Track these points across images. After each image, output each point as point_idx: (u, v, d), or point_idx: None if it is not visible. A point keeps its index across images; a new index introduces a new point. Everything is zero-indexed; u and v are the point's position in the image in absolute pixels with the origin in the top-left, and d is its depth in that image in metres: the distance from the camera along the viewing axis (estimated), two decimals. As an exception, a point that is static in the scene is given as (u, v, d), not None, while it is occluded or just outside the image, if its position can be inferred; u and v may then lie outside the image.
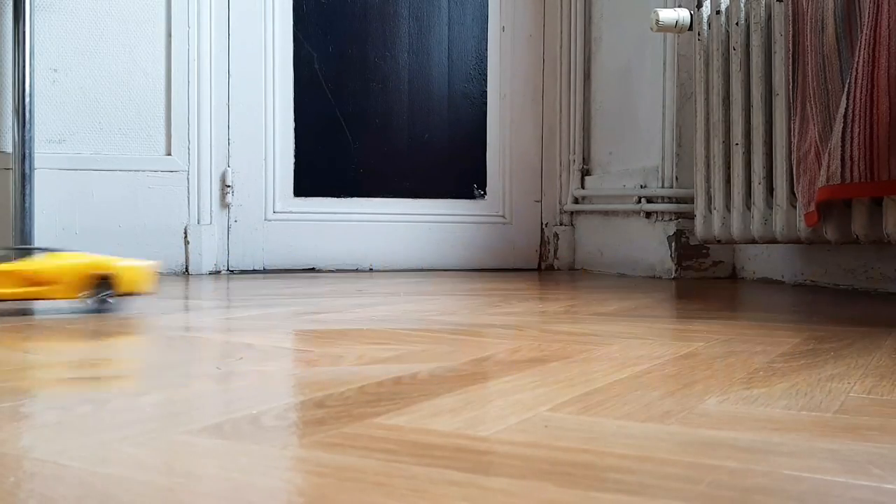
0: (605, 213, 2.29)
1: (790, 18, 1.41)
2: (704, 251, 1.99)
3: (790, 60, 1.41)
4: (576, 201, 2.43)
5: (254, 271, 2.19)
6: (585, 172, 2.42)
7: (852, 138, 1.13)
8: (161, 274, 2.05)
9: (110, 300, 1.14)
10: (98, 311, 1.13)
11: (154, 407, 0.54)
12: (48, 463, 0.41)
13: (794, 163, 1.38)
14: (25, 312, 1.13)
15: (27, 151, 1.92)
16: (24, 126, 1.92)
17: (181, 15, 2.09)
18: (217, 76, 2.15)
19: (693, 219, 1.85)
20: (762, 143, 1.52)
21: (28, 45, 1.93)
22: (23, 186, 1.92)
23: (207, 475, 0.39)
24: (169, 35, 2.09)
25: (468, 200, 2.41)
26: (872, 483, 0.38)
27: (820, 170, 1.25)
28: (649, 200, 2.06)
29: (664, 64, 2.02)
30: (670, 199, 2.00)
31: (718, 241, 1.66)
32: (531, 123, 2.46)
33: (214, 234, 2.14)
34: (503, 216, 2.44)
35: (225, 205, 2.17)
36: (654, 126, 2.07)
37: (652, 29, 1.72)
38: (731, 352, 0.79)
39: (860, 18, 1.20)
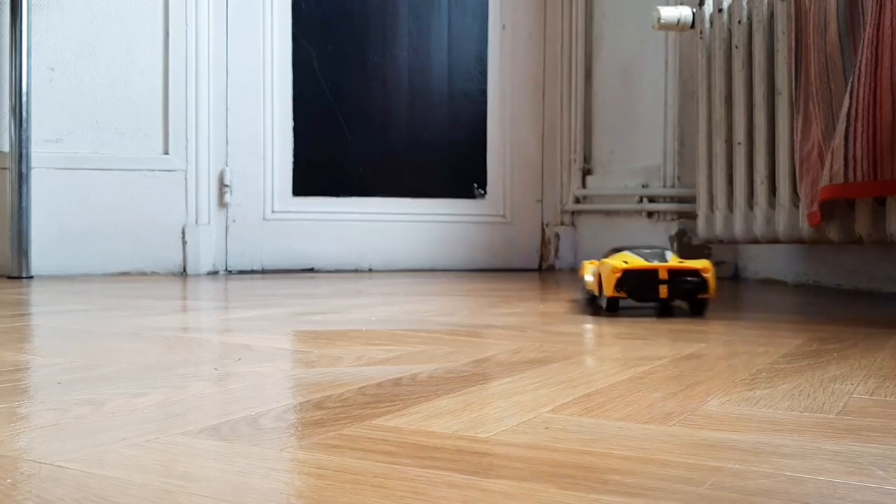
0: (607, 212, 2.29)
1: (793, 17, 1.41)
2: (707, 251, 1.98)
3: (793, 59, 1.41)
4: (577, 201, 2.42)
5: (252, 271, 2.19)
6: (587, 172, 2.41)
7: (855, 137, 1.13)
8: (158, 274, 2.05)
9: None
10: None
11: (152, 408, 0.53)
12: (45, 465, 0.41)
13: (797, 162, 1.38)
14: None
15: (24, 151, 1.92)
16: (20, 125, 1.91)
17: (179, 13, 2.09)
18: (215, 75, 2.15)
19: (695, 218, 1.85)
20: (765, 143, 1.51)
21: (25, 44, 1.93)
22: (19, 186, 1.91)
23: (206, 477, 0.39)
24: (167, 33, 2.09)
25: (468, 200, 2.40)
26: (876, 485, 0.38)
27: (823, 169, 1.24)
28: (651, 200, 2.06)
29: (666, 62, 2.02)
30: (672, 199, 2.00)
31: (721, 241, 1.66)
32: (532, 122, 2.46)
33: (212, 233, 2.14)
34: (503, 216, 2.44)
35: (223, 204, 2.17)
36: (656, 125, 2.07)
37: (654, 27, 1.71)
38: (733, 352, 0.79)
39: (863, 17, 1.20)
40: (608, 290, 1.11)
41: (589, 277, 1.24)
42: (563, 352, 0.78)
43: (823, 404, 0.56)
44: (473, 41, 2.41)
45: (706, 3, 1.69)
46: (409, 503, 0.35)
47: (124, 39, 2.06)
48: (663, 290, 1.09)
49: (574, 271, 2.36)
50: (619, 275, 1.10)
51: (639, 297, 1.11)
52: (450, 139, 2.38)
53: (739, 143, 1.57)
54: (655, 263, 1.10)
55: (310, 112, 2.25)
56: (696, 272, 1.10)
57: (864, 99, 1.12)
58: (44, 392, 0.58)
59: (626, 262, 1.11)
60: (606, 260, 1.15)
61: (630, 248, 1.19)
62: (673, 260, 1.13)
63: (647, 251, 1.17)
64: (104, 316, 1.08)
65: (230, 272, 2.16)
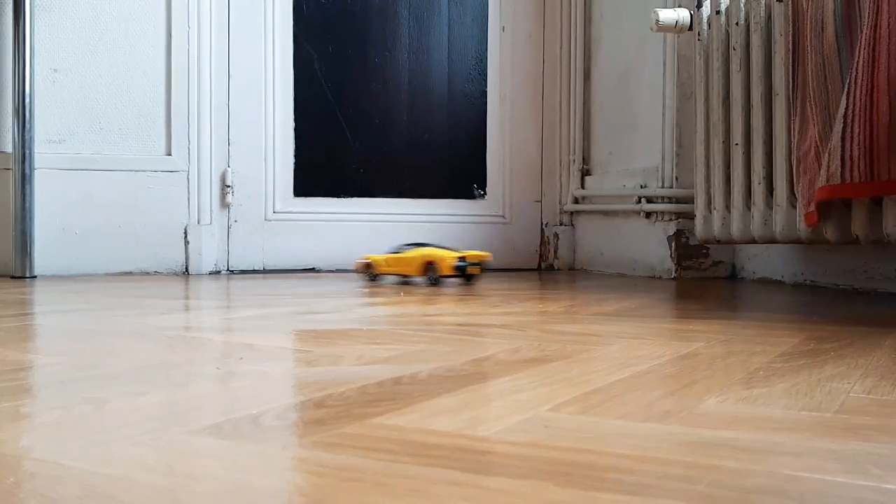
0: (605, 213, 2.29)
1: (790, 18, 1.41)
2: (704, 251, 1.99)
3: (790, 60, 1.41)
4: (576, 201, 2.43)
5: (254, 271, 2.19)
6: (585, 172, 2.42)
7: (852, 138, 1.13)
8: (160, 274, 2.05)
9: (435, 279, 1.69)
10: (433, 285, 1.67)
11: (154, 407, 0.54)
12: (48, 463, 0.41)
13: (794, 163, 1.38)
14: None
15: (27, 152, 1.92)
16: (24, 126, 1.92)
17: (181, 15, 2.09)
18: (217, 76, 2.15)
19: (693, 219, 1.85)
20: (762, 143, 1.52)
21: (28, 45, 1.93)
22: (23, 187, 1.92)
23: (207, 475, 0.39)
24: (169, 35, 2.09)
25: (468, 200, 2.41)
26: (872, 483, 0.38)
27: (820, 170, 1.25)
28: (649, 200, 2.06)
29: (664, 64, 2.02)
30: (670, 199, 2.00)
31: (718, 241, 1.66)
32: (531, 123, 2.46)
33: (214, 234, 2.14)
34: (503, 216, 2.44)
35: (225, 205, 2.17)
36: (654, 126, 2.07)
37: (652, 29, 1.72)
38: (730, 352, 0.79)
39: (860, 18, 1.20)
40: (446, 271, 1.65)
41: (367, 262, 1.82)
42: (562, 351, 0.79)
43: (820, 403, 0.56)
44: (473, 42, 2.41)
45: (704, 5, 1.69)
46: (409, 501, 0.36)
47: (127, 41, 2.06)
48: (474, 269, 1.68)
49: (574, 271, 2.36)
50: (455, 262, 1.65)
51: (462, 275, 1.66)
52: (450, 140, 2.39)
53: (737, 144, 1.58)
54: (468, 253, 1.69)
55: (311, 113, 2.26)
56: (482, 258, 1.71)
57: (860, 100, 1.12)
58: (47, 391, 0.59)
59: (437, 253, 1.68)
60: (434, 251, 1.69)
61: (421, 244, 1.77)
62: (469, 251, 1.74)
63: (444, 245, 1.75)
64: (107, 315, 1.08)
65: (232, 272, 2.16)
